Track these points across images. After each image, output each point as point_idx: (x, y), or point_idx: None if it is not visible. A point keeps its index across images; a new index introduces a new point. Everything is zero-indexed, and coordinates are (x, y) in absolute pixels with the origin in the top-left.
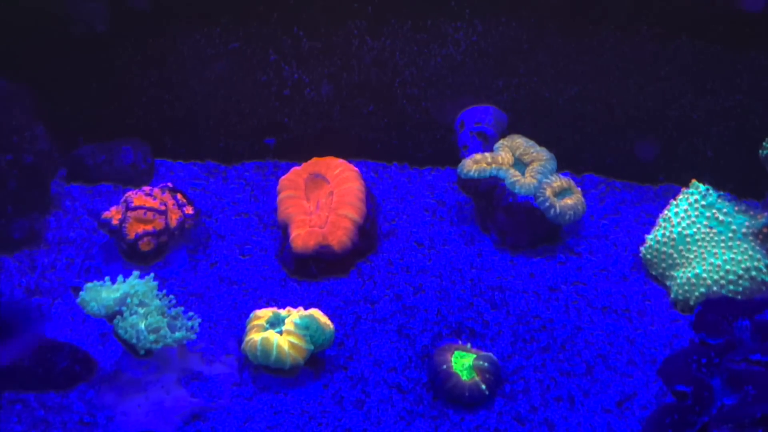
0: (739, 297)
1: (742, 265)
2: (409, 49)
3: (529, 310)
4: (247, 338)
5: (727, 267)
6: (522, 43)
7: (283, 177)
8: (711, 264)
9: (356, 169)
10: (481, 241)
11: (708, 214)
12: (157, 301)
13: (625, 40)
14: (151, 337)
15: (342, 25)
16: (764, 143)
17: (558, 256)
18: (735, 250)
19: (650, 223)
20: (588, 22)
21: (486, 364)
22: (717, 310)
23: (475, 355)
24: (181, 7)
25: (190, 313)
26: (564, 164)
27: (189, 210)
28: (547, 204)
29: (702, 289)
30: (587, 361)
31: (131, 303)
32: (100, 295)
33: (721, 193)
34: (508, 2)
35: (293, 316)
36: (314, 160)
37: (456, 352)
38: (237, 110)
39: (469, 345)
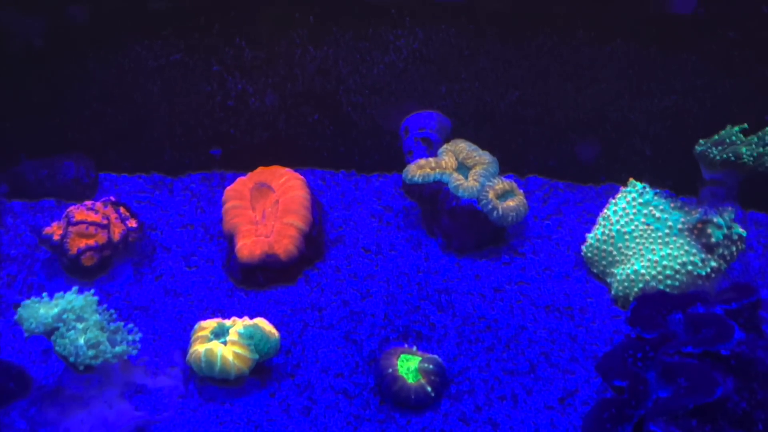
0: (677, 291)
1: (679, 260)
2: (351, 58)
3: (474, 311)
4: (192, 350)
5: (664, 262)
6: (462, 49)
7: (228, 187)
8: (649, 260)
9: (302, 177)
10: (428, 245)
11: (645, 211)
12: (96, 316)
13: (562, 45)
14: (90, 352)
15: (284, 35)
16: (700, 141)
17: (503, 257)
18: (671, 246)
19: (592, 222)
20: (526, 28)
21: (431, 366)
22: (652, 304)
23: (420, 358)
24: (120, 20)
25: (130, 325)
26: (508, 167)
27: (132, 223)
28: (490, 206)
29: (641, 285)
30: (530, 359)
31: (69, 318)
32: (38, 311)
33: (658, 190)
34: (447, 10)
35: (237, 326)
36: (260, 169)
37: (402, 356)
38: (181, 122)
39: (415, 348)
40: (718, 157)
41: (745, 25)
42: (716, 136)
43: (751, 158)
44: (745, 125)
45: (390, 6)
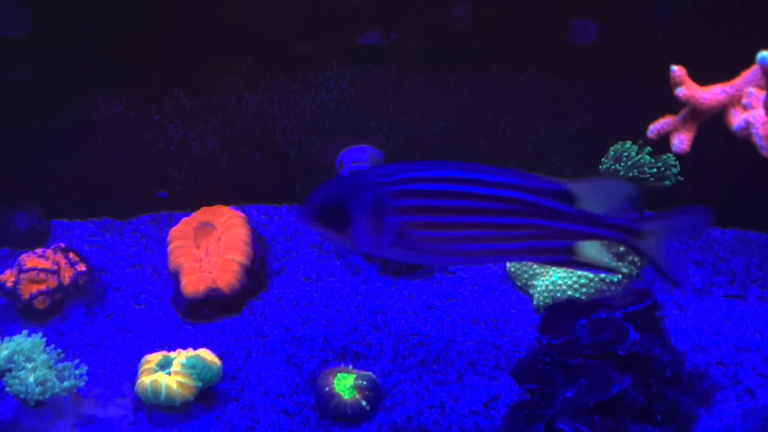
0: (592, 298)
1: None
2: (285, 101)
3: (408, 328)
4: (139, 381)
5: (579, 272)
6: (388, 87)
7: (173, 228)
8: (565, 271)
9: (242, 215)
10: (366, 270)
11: None
12: (44, 356)
13: (478, 78)
14: (38, 389)
15: (219, 83)
16: (603, 159)
17: (435, 277)
18: None
19: None
20: (444, 64)
21: (365, 382)
22: (560, 313)
23: (356, 375)
24: (61, 78)
25: (76, 361)
26: None
27: (82, 267)
28: None
29: (559, 294)
30: (458, 369)
31: (19, 360)
32: None
33: None
34: (369, 54)
35: (180, 357)
36: (203, 209)
37: (339, 375)
38: (127, 169)
39: (351, 367)
40: (622, 173)
41: (643, 51)
42: (612, 152)
43: (652, 177)
44: (641, 142)
45: (316, 52)
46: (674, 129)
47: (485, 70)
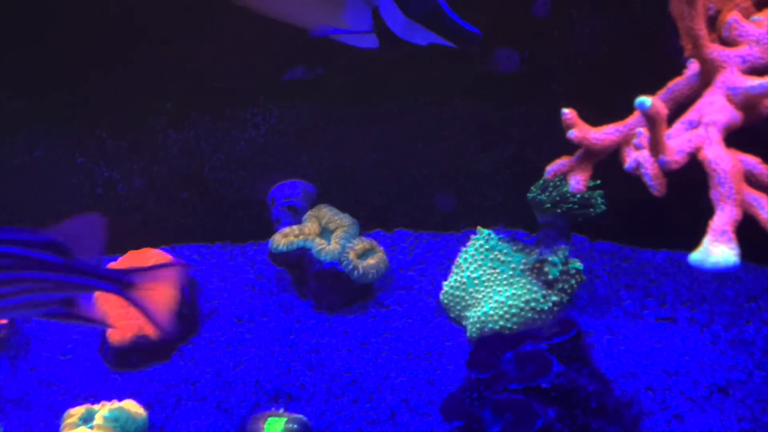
0: (524, 326)
1: (522, 299)
2: (213, 138)
3: (342, 367)
4: None
5: (510, 302)
6: (317, 120)
7: None
8: (496, 301)
9: (170, 257)
10: (300, 308)
11: (491, 256)
12: None
13: (407, 109)
14: None
15: (144, 123)
16: (532, 188)
17: (370, 312)
18: (515, 286)
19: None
20: (373, 96)
21: (296, 426)
22: (488, 346)
23: (286, 419)
24: None
25: None
26: (375, 224)
27: (2, 321)
28: (351, 267)
29: (491, 325)
30: (392, 407)
31: None
32: None
33: (502, 235)
34: (297, 88)
35: (103, 410)
36: (129, 253)
37: (269, 419)
38: (51, 214)
39: (282, 410)
40: (548, 204)
41: (565, 78)
42: (541, 181)
43: (576, 205)
44: None
45: (242, 88)
46: (570, 169)
47: (414, 100)
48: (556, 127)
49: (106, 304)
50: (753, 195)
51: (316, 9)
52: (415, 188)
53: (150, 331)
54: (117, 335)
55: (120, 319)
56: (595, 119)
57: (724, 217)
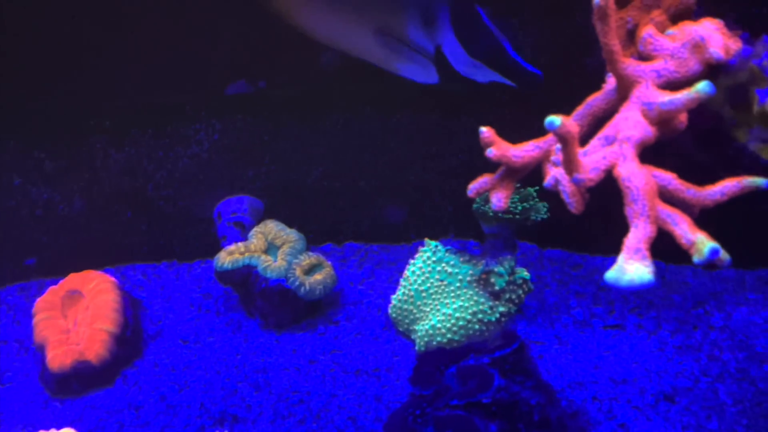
0: (472, 338)
1: (470, 310)
2: (155, 155)
3: (289, 386)
4: None
5: (457, 314)
6: (262, 135)
7: (38, 299)
8: (444, 314)
9: (112, 279)
10: (248, 326)
11: (438, 268)
12: None
13: (353, 121)
14: None
15: (83, 142)
16: (477, 199)
17: (319, 328)
18: (463, 298)
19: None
20: (317, 108)
21: None
22: (431, 361)
23: None
24: None
25: None
26: (325, 237)
27: None
28: (297, 283)
29: (439, 338)
30: (338, 426)
31: None
32: None
33: (450, 246)
34: (239, 102)
35: None
36: (71, 276)
37: None
38: None
39: None
40: (491, 214)
41: (511, 88)
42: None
43: (518, 215)
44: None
45: (183, 103)
46: (492, 187)
47: (359, 112)
48: (503, 136)
49: (47, 329)
50: (667, 211)
51: (381, 44)
52: (363, 200)
53: (91, 356)
54: (57, 361)
55: (60, 345)
56: (541, 127)
57: (638, 234)
